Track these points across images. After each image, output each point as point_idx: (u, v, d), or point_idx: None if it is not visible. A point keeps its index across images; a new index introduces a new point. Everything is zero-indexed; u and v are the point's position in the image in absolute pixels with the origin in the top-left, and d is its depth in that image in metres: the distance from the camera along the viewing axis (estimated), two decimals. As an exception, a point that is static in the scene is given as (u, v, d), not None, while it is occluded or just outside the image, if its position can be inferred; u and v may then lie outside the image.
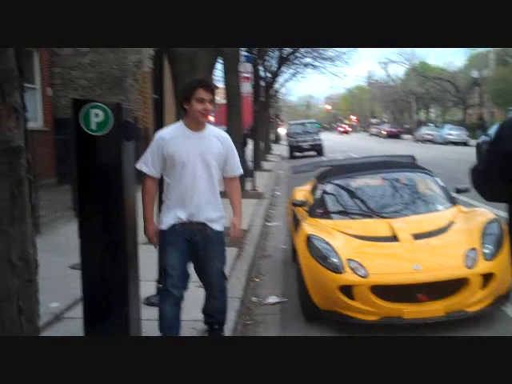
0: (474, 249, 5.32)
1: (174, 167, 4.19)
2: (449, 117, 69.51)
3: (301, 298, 5.76)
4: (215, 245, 4.38)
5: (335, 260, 5.31)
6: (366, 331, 5.22)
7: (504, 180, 2.65)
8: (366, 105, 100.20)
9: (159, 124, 6.21)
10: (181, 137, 4.21)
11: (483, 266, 5.20)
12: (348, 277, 5.19)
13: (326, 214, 6.54)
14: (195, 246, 4.30)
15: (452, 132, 45.14)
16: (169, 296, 4.31)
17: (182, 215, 4.23)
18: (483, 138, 3.73)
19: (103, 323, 4.18)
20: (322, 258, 5.40)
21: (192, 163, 4.18)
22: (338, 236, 5.81)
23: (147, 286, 5.94)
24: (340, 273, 5.22)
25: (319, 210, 6.61)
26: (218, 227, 4.38)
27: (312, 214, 6.59)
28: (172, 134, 4.26)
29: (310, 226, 6.08)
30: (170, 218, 4.27)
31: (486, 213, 6.09)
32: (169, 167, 4.23)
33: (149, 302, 5.75)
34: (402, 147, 39.41)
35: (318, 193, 6.87)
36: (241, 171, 4.50)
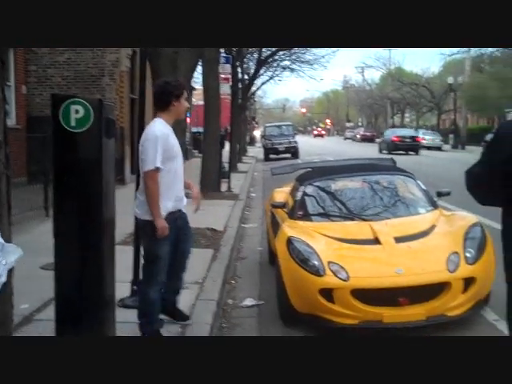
0: (456, 253, 5.27)
1: (169, 160, 4.49)
2: (423, 122, 70.18)
3: (279, 300, 5.66)
4: (188, 226, 4.92)
5: (316, 263, 5.22)
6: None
7: (500, 184, 2.57)
8: (341, 109, 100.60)
9: (141, 123, 6.10)
10: (170, 132, 4.58)
11: (465, 270, 5.15)
12: (329, 280, 5.10)
13: (307, 216, 6.45)
14: (177, 231, 4.68)
15: (426, 137, 45.49)
16: (158, 283, 4.67)
17: (171, 205, 4.56)
18: (490, 137, 3.60)
19: (76, 325, 4.03)
20: (302, 260, 5.30)
21: (179, 155, 4.65)
22: (319, 238, 5.72)
23: (121, 287, 5.79)
24: (321, 276, 5.13)
25: (300, 211, 6.52)
26: (185, 210, 4.83)
27: (292, 215, 6.49)
28: (165, 129, 4.55)
29: (291, 228, 5.98)
30: (161, 208, 4.47)
31: (468, 216, 6.06)
32: (164, 160, 4.44)
33: (123, 304, 5.60)
34: (375, 151, 39.56)
35: (299, 194, 6.77)
36: None
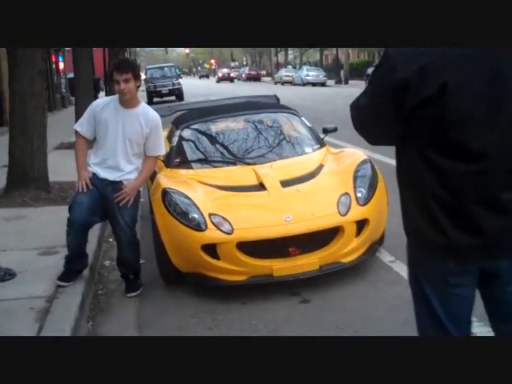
0: (346, 194, 4.87)
1: (98, 133, 4.75)
2: (306, 58, 70.40)
3: (159, 260, 5.07)
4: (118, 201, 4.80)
5: (196, 216, 4.66)
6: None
7: (392, 118, 2.06)
8: (225, 48, 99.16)
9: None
10: (111, 108, 4.72)
11: (357, 212, 4.77)
12: (211, 234, 4.57)
13: (185, 164, 5.82)
14: (105, 200, 4.74)
15: (310, 73, 45.68)
16: (72, 230, 4.71)
17: (98, 170, 4.74)
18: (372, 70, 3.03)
19: None
20: (180, 214, 4.72)
21: (114, 132, 4.66)
22: (199, 188, 5.13)
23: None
24: (202, 230, 4.59)
25: (176, 159, 5.87)
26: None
27: (169, 163, 5.83)
28: (103, 103, 4.82)
29: (167, 178, 5.34)
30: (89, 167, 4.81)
31: (357, 153, 5.65)
32: (97, 131, 4.75)
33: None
34: (262, 89, 39.24)
35: (175, 140, 6.12)
36: (157, 153, 4.95)
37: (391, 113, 2.04)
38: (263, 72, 71.05)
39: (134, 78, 4.59)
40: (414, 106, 1.95)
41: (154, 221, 5.05)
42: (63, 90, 29.83)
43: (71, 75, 33.03)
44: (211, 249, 4.56)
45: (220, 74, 69.81)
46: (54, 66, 27.29)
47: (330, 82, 44.42)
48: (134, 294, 4.88)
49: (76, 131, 4.88)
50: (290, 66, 62.70)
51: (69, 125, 15.04)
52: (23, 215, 6.97)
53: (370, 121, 2.19)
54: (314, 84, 43.45)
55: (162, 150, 4.97)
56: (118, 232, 4.82)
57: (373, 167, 5.19)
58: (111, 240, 6.45)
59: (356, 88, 33.86)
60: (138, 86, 4.72)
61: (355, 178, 5.03)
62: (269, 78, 63.40)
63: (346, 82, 42.78)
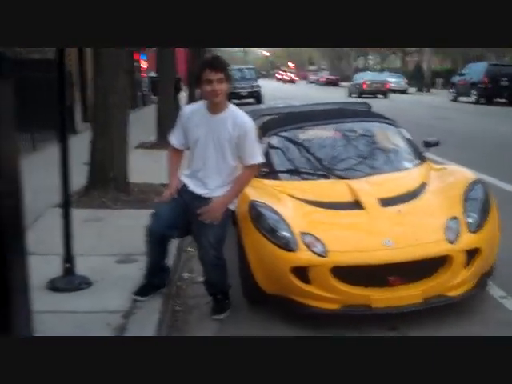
0: (455, 218, 4.32)
1: (190, 142, 4.40)
2: (387, 64, 68.94)
3: (242, 278, 4.68)
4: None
5: (286, 234, 4.23)
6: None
7: None
8: (304, 51, 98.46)
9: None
10: (199, 116, 4.34)
11: (468, 240, 4.22)
12: (303, 256, 4.12)
13: (272, 174, 5.40)
14: (191, 216, 4.38)
15: (391, 79, 44.52)
16: (150, 238, 4.45)
17: (187, 181, 4.43)
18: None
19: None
20: (268, 231, 4.29)
21: (203, 143, 4.29)
22: (288, 202, 4.69)
23: (51, 262, 4.78)
24: (292, 250, 4.15)
25: (264, 168, 5.46)
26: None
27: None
28: (192, 109, 4.47)
29: (254, 189, 4.93)
30: (179, 177, 4.55)
31: (464, 172, 5.09)
32: (188, 141, 4.42)
33: (53, 287, 4.59)
34: (340, 95, 38.58)
35: (263, 147, 5.71)
36: (251, 162, 4.33)
37: None
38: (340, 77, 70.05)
39: (226, 79, 4.20)
40: None
41: (239, 235, 4.66)
42: (144, 89, 30.10)
43: (152, 74, 33.45)
44: (301, 272, 4.12)
45: (287, 78, 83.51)
46: (136, 64, 27.56)
47: (411, 90, 43.24)
48: (219, 316, 4.49)
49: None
50: (369, 72, 61.49)
51: (149, 124, 15.02)
52: (101, 217, 6.75)
53: None
54: (394, 91, 42.36)
55: (258, 157, 4.36)
56: (200, 253, 4.41)
57: (486, 189, 4.63)
58: (191, 250, 6.09)
59: (438, 97, 32.74)
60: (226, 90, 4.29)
61: (465, 201, 4.49)
62: (347, 83, 62.49)
63: (428, 90, 41.55)
